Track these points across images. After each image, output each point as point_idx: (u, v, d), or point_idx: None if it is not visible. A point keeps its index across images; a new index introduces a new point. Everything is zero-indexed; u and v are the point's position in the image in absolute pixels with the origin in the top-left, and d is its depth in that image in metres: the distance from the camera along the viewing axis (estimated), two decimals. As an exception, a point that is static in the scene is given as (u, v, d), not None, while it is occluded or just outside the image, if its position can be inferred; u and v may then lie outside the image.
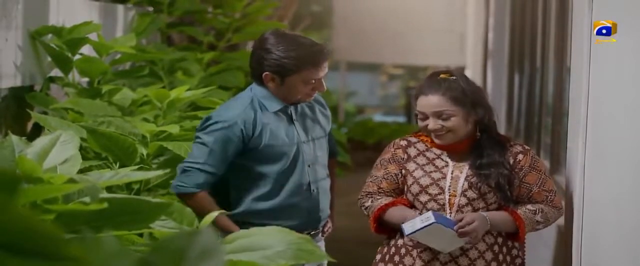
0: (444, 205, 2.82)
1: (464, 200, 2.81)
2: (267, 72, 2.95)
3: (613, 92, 2.85)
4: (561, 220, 3.18)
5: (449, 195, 2.82)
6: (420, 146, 2.91)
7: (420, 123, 2.84)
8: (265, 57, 2.94)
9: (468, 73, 9.85)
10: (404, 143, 2.93)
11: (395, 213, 2.86)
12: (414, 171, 2.87)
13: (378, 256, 2.96)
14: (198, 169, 2.92)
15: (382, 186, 2.92)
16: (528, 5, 5.85)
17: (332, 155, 3.28)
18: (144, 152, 3.14)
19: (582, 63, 2.90)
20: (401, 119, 13.92)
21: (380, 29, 10.96)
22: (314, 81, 2.95)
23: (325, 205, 3.12)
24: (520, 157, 2.87)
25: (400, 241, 2.89)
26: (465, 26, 9.93)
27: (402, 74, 16.37)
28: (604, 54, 2.83)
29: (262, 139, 2.96)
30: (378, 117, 14.20)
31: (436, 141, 2.85)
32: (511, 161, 2.85)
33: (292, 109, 3.04)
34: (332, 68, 13.93)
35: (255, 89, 3.02)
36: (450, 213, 2.80)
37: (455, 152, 2.88)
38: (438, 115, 2.80)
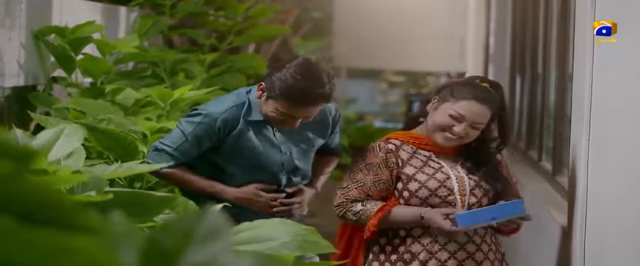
0: (455, 205, 2.79)
1: (473, 199, 2.81)
2: (262, 83, 2.94)
3: (616, 90, 2.86)
4: (564, 218, 3.19)
5: (459, 195, 2.80)
6: (408, 148, 2.84)
7: (443, 121, 2.76)
8: (276, 69, 2.91)
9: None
10: (391, 146, 2.83)
11: (403, 211, 2.79)
12: (415, 175, 2.80)
13: (375, 248, 2.89)
14: (168, 153, 2.95)
15: (371, 192, 2.81)
16: (529, 9, 5.85)
17: (333, 152, 3.25)
18: (145, 150, 3.15)
19: (585, 63, 2.91)
20: (401, 126, 13.85)
21: (380, 35, 10.96)
22: (288, 116, 2.90)
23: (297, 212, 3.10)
24: (498, 156, 2.92)
25: (402, 232, 2.85)
26: (465, 31, 9.93)
27: (403, 82, 16.37)
28: (607, 54, 2.84)
29: (235, 140, 2.97)
30: (378, 124, 14.18)
31: (442, 143, 2.80)
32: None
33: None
34: (332, 75, 13.92)
35: (253, 92, 3.01)
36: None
37: (443, 154, 2.86)
38: (474, 124, 2.76)
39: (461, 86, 2.81)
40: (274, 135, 3.03)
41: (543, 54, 5.21)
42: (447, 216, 2.72)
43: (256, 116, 2.98)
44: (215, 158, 3.01)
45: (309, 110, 2.88)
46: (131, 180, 3.03)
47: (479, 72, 8.89)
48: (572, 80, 3.41)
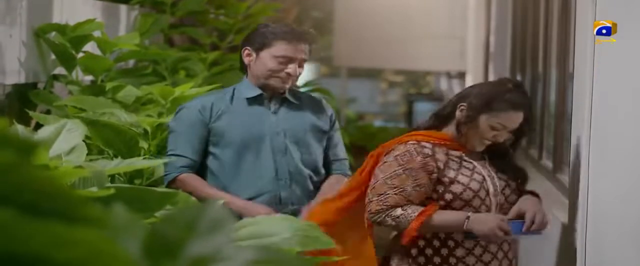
0: (490, 205, 2.77)
1: (501, 198, 2.80)
2: (246, 47, 3.06)
3: (616, 90, 2.86)
4: (565, 217, 3.19)
5: (493, 196, 2.78)
6: (440, 150, 2.78)
7: (484, 132, 2.74)
8: (253, 31, 3.10)
9: (469, 77, 9.85)
10: (427, 150, 2.76)
11: (446, 215, 2.72)
12: (457, 178, 2.75)
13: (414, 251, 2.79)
14: (171, 156, 3.01)
15: (411, 198, 2.72)
16: (530, 8, 5.86)
17: (342, 169, 3.21)
18: (146, 145, 3.15)
19: (585, 62, 2.91)
20: (401, 125, 13.89)
21: (380, 34, 10.94)
22: (284, 58, 2.99)
23: (296, 198, 3.08)
24: None
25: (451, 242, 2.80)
26: (466, 30, 9.92)
27: (403, 81, 16.37)
28: (607, 53, 2.84)
29: (218, 123, 3.05)
30: (378, 123, 14.18)
31: (479, 148, 2.80)
32: None
33: (273, 101, 3.09)
34: (332, 75, 13.91)
35: (238, 85, 3.15)
36: (495, 212, 2.78)
37: (469, 152, 2.83)
38: (511, 129, 2.77)
39: (495, 96, 2.75)
40: (270, 108, 3.08)
41: (543, 53, 5.21)
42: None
43: (251, 92, 3.07)
44: (212, 149, 3.06)
45: (303, 49, 3.02)
46: (131, 177, 3.03)
47: (479, 72, 8.89)
48: (573, 79, 3.42)
